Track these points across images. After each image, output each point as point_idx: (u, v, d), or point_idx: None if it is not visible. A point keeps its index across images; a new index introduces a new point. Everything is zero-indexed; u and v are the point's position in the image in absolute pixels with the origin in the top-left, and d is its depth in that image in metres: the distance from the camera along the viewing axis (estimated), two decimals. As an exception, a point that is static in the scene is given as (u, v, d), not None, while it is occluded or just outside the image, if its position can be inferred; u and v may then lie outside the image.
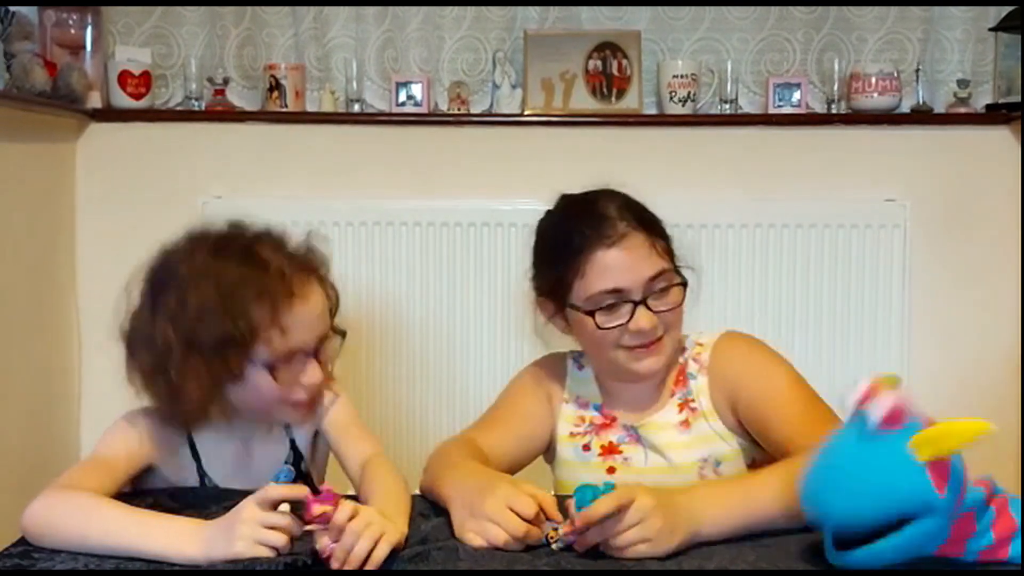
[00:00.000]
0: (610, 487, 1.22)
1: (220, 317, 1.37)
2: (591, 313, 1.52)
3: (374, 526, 1.19)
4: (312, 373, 1.44)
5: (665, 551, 1.21)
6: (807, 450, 1.26)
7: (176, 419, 1.46)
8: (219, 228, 1.47)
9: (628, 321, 1.51)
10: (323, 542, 1.17)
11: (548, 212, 1.65)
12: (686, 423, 1.57)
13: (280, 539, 1.16)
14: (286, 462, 1.55)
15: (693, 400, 1.58)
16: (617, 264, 1.51)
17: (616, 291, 1.51)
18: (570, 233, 1.54)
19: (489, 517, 1.25)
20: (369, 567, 1.17)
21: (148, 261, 1.46)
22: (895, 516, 1.10)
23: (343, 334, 1.52)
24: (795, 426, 1.44)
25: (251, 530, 1.15)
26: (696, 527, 1.24)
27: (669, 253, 1.57)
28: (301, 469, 1.56)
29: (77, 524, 1.24)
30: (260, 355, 1.40)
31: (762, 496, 1.29)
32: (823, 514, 1.15)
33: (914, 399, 1.12)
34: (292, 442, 1.56)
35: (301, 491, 1.18)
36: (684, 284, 1.56)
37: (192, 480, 1.51)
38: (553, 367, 1.69)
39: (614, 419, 1.62)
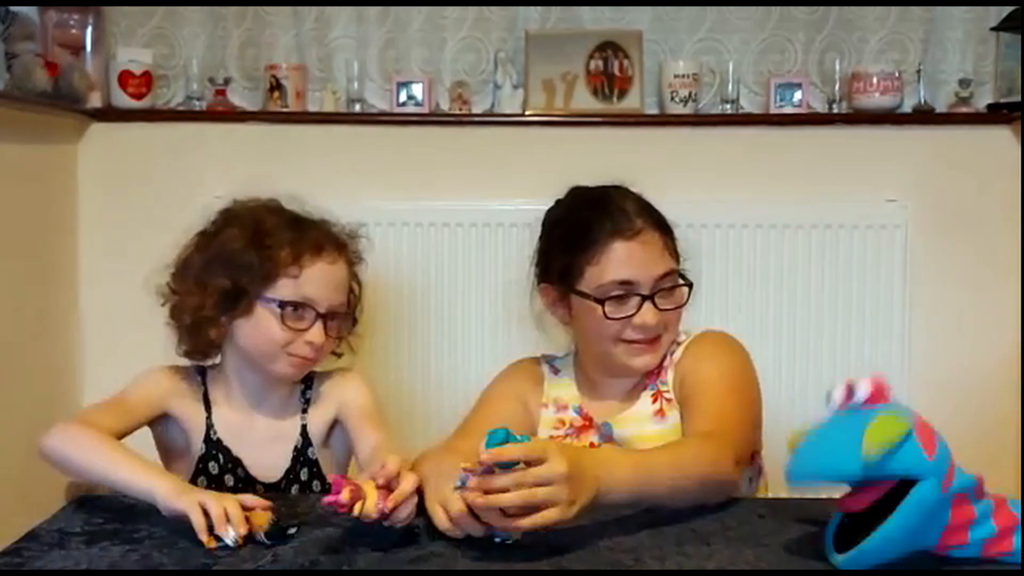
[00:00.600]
0: (526, 438, 1.21)
1: (247, 249, 1.53)
2: (601, 302, 1.54)
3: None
4: (316, 333, 1.54)
5: (564, 519, 1.17)
6: (702, 437, 1.42)
7: (195, 353, 1.60)
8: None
9: (634, 315, 1.54)
10: (372, 505, 1.23)
11: (558, 202, 1.69)
12: (661, 412, 1.60)
13: (218, 513, 1.24)
14: (294, 447, 1.61)
15: (667, 391, 1.61)
16: (632, 257, 1.56)
17: (626, 283, 1.56)
18: (588, 221, 1.58)
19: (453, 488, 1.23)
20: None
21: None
22: (884, 467, 1.08)
23: (355, 320, 1.63)
24: (707, 416, 1.48)
25: (204, 494, 1.28)
26: (598, 493, 1.22)
27: (677, 255, 1.62)
28: (308, 455, 1.61)
29: (83, 458, 1.42)
30: (274, 294, 1.52)
31: (654, 472, 1.31)
32: (817, 469, 1.13)
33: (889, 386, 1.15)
34: (304, 428, 1.61)
35: (265, 504, 1.30)
36: (690, 285, 1.60)
37: (201, 429, 1.60)
38: (528, 372, 1.71)
39: (592, 420, 1.64)
